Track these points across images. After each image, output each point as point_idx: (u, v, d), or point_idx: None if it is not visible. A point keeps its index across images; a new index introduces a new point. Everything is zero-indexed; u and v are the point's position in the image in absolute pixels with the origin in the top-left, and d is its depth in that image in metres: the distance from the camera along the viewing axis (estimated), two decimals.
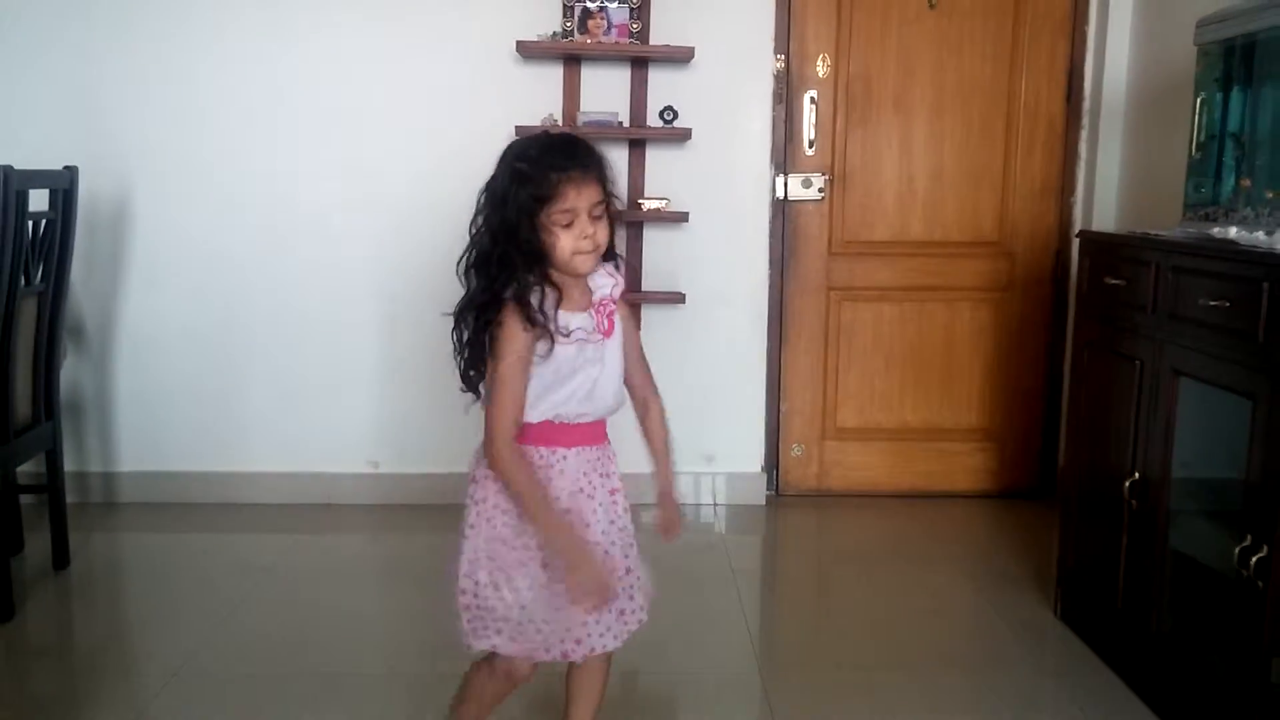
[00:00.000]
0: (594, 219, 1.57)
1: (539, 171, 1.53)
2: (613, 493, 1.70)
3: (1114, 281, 2.40)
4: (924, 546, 3.30)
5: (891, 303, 3.65)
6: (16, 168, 2.55)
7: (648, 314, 3.52)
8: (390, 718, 2.23)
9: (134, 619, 2.79)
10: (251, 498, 3.50)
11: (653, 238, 3.49)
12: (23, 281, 2.67)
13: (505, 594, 1.61)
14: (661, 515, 1.80)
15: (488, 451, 1.58)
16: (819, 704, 2.30)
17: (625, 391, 1.72)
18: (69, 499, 3.02)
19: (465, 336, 1.60)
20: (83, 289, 3.40)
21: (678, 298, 3.46)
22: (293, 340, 3.48)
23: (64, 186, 2.83)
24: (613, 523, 1.70)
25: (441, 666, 2.40)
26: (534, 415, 1.60)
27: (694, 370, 3.53)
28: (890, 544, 3.34)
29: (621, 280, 1.69)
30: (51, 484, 2.94)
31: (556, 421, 1.62)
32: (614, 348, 1.66)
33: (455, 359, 1.62)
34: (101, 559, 3.15)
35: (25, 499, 3.08)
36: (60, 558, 2.94)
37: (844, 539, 3.47)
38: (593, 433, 1.67)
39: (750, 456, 3.64)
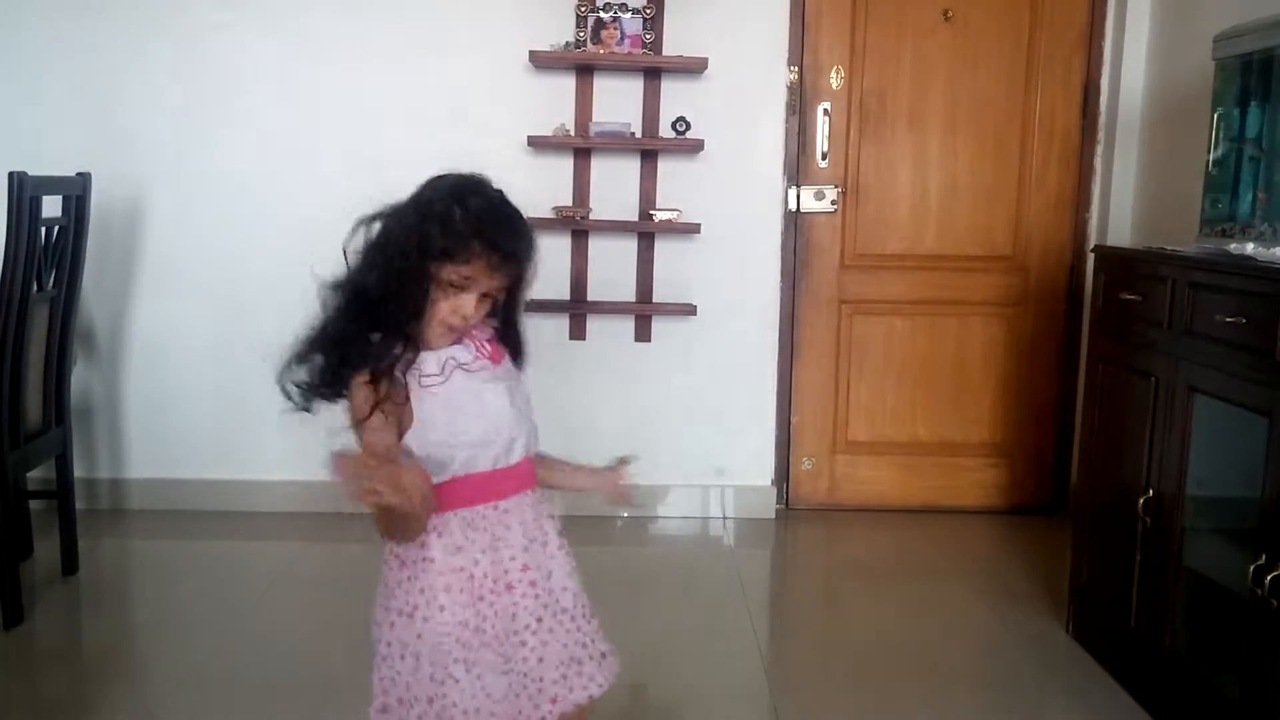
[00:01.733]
0: (480, 299, 1.40)
1: (466, 228, 1.36)
2: (560, 534, 1.54)
3: (1129, 297, 2.39)
4: (934, 562, 3.28)
5: (904, 316, 3.63)
6: (30, 174, 2.56)
7: (658, 325, 3.51)
8: None
9: (142, 625, 2.79)
10: (261, 506, 3.50)
11: (664, 249, 3.48)
12: (35, 287, 2.67)
13: (467, 687, 1.42)
14: (599, 483, 1.65)
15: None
16: (827, 718, 2.28)
17: (535, 428, 1.52)
18: (78, 505, 3.02)
19: (318, 364, 1.43)
20: (94, 295, 3.41)
21: (689, 309, 3.45)
22: None
23: (77, 193, 2.85)
24: (565, 565, 1.53)
25: None
26: (461, 466, 1.42)
27: (704, 382, 3.52)
28: (900, 559, 3.32)
29: (480, 348, 1.47)
30: (61, 490, 2.94)
31: (496, 467, 1.44)
32: (511, 375, 1.50)
33: (287, 369, 1.46)
34: (110, 565, 3.15)
35: (35, 504, 3.08)
36: (69, 563, 2.94)
37: (854, 553, 3.45)
38: (527, 475, 1.49)
39: (760, 470, 3.62)
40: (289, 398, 1.45)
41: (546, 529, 1.52)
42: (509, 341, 1.53)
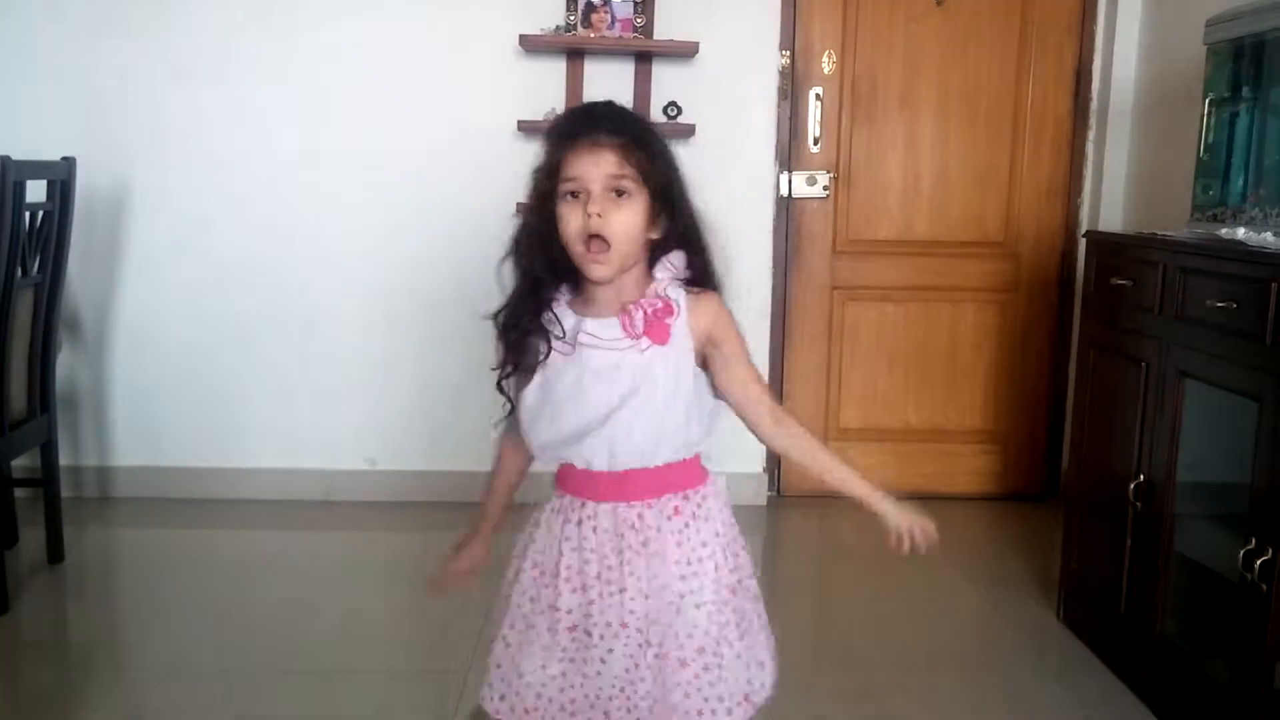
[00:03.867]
0: (611, 197, 1.26)
1: (554, 132, 1.31)
2: (664, 564, 1.34)
3: (1120, 282, 2.38)
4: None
5: (895, 303, 3.63)
6: (14, 158, 2.53)
7: None
8: (386, 715, 2.20)
9: (129, 614, 2.77)
10: (248, 494, 3.48)
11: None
12: (19, 273, 2.65)
13: (514, 655, 1.39)
14: (897, 523, 1.48)
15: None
16: (819, 705, 2.27)
17: (694, 430, 1.37)
18: (64, 493, 2.99)
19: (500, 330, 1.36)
20: (79, 281, 3.38)
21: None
22: (290, 336, 3.46)
23: (62, 178, 2.82)
24: (653, 598, 1.34)
25: (437, 664, 2.39)
26: (551, 450, 1.36)
27: None
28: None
29: (677, 269, 1.32)
30: (46, 478, 2.92)
31: (579, 467, 1.34)
32: (668, 363, 1.29)
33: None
34: (96, 554, 3.13)
35: (20, 493, 3.06)
36: (55, 552, 2.92)
37: (845, 540, 3.44)
38: (634, 486, 1.33)
39: (751, 457, 3.61)
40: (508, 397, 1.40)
41: (643, 555, 1.34)
42: (696, 271, 1.35)
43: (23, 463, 2.93)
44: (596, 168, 1.26)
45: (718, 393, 1.40)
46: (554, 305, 1.33)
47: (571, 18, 3.28)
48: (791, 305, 3.61)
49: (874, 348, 3.65)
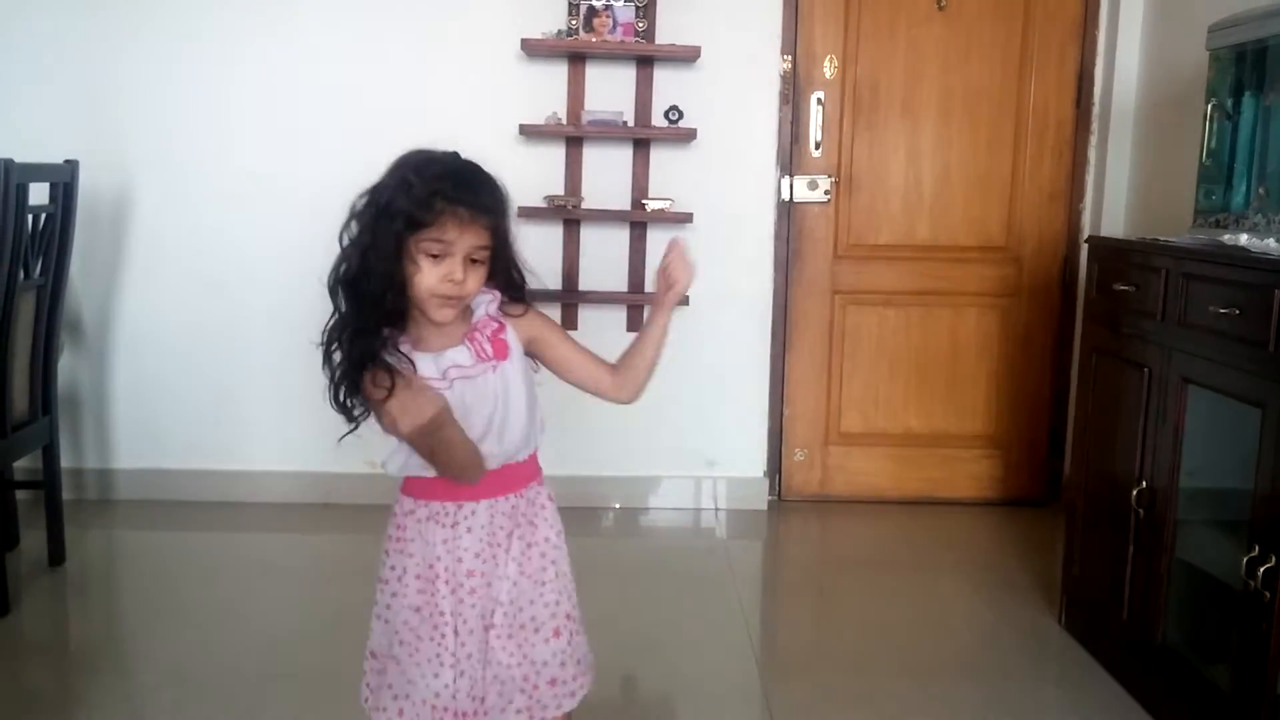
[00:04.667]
0: (469, 263, 1.37)
1: (425, 192, 1.33)
2: (530, 545, 1.49)
3: (1123, 288, 2.38)
4: (927, 554, 3.27)
5: (897, 307, 3.62)
6: (17, 161, 2.54)
7: None
8: None
9: (130, 616, 2.77)
10: (250, 496, 3.48)
11: (656, 239, 3.47)
12: (22, 275, 2.65)
13: (410, 669, 1.45)
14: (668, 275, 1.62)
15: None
16: (819, 711, 2.27)
17: (539, 423, 1.51)
18: (65, 495, 2.99)
19: (336, 365, 1.39)
20: (81, 284, 3.39)
21: (681, 300, 3.43)
22: (291, 338, 3.44)
23: (64, 180, 2.82)
24: (526, 576, 1.49)
25: None
26: (426, 469, 1.43)
27: (696, 373, 3.50)
28: (893, 551, 3.31)
29: (495, 294, 1.46)
30: (48, 480, 2.92)
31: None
32: (509, 372, 1.45)
33: (326, 378, 1.41)
34: (97, 556, 3.13)
35: (21, 495, 3.07)
36: (56, 554, 2.92)
37: (846, 545, 3.45)
38: (510, 479, 1.48)
39: (752, 461, 3.61)
40: (350, 416, 1.42)
41: (518, 539, 1.48)
42: (512, 288, 1.48)
43: (24, 465, 2.94)
44: (465, 239, 1.36)
45: (564, 377, 1.57)
46: (398, 345, 1.38)
47: (573, 22, 3.28)
48: (793, 310, 3.60)
49: (875, 352, 3.64)
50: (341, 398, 1.40)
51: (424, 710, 1.46)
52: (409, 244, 1.35)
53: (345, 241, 1.41)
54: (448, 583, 1.44)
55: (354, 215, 1.41)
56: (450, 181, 1.36)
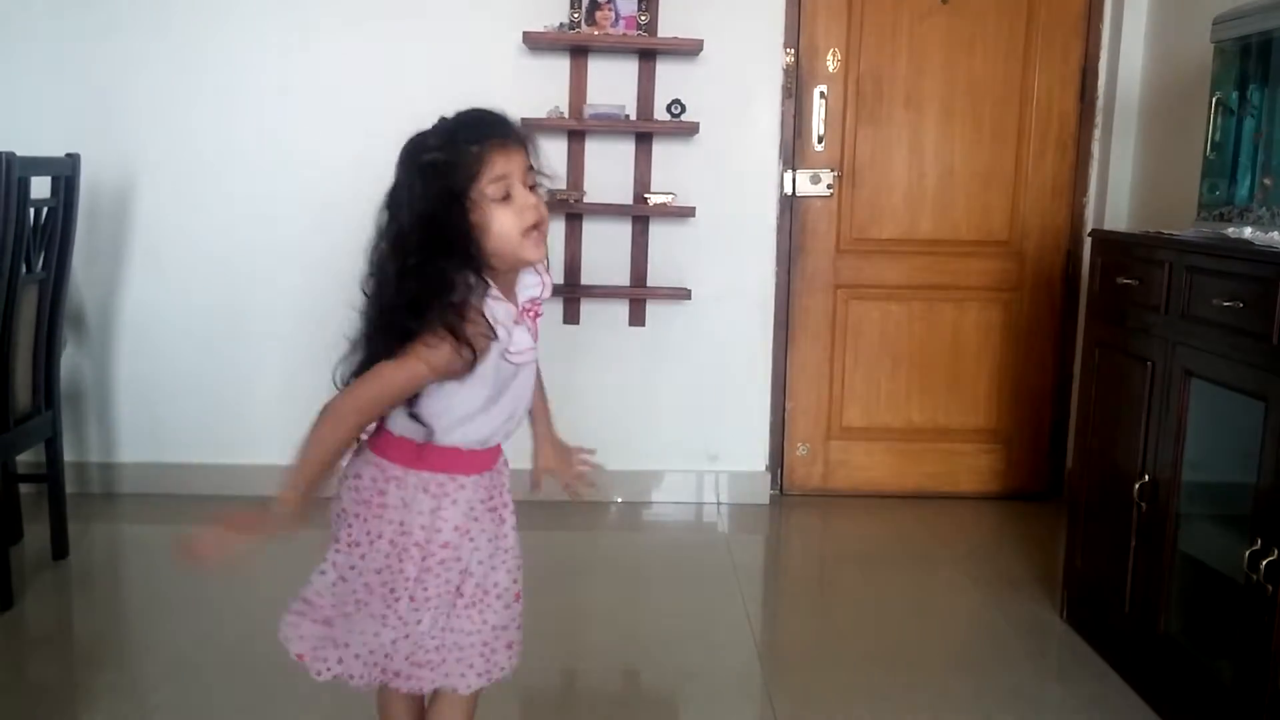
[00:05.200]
0: (530, 189, 1.38)
1: (453, 152, 1.34)
2: (502, 521, 1.53)
3: (1126, 281, 2.37)
4: (929, 548, 3.27)
5: (899, 301, 3.62)
6: (19, 154, 2.53)
7: (652, 310, 3.49)
8: None
9: (133, 610, 2.77)
10: (252, 490, 3.42)
11: (658, 233, 3.47)
12: (24, 269, 2.65)
13: (359, 624, 1.47)
14: (558, 464, 1.65)
15: (334, 403, 1.41)
16: (821, 704, 2.27)
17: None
18: (68, 489, 3.00)
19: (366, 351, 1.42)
20: (84, 278, 3.39)
21: (683, 294, 3.43)
22: (295, 331, 3.46)
23: (66, 174, 2.82)
24: (496, 547, 1.52)
25: None
26: (449, 439, 1.43)
27: (698, 367, 3.51)
28: (895, 545, 3.31)
29: (548, 279, 1.49)
30: (51, 474, 2.92)
31: (464, 448, 1.45)
32: (536, 360, 1.50)
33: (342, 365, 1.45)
34: (101, 550, 3.13)
35: (24, 488, 3.06)
36: (59, 548, 2.93)
37: (848, 539, 3.45)
38: (493, 457, 1.51)
39: (754, 455, 3.61)
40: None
41: (489, 511, 1.50)
42: None
43: (27, 458, 2.94)
44: (515, 163, 1.37)
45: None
46: (486, 303, 1.37)
47: (575, 15, 3.27)
48: (795, 304, 3.60)
49: (877, 346, 3.64)
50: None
51: (356, 665, 1.48)
52: (470, 200, 1.34)
53: (386, 238, 1.40)
54: (420, 549, 1.45)
55: (382, 233, 1.40)
56: (471, 126, 1.37)
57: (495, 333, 1.37)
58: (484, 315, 1.36)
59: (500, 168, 1.35)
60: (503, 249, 1.37)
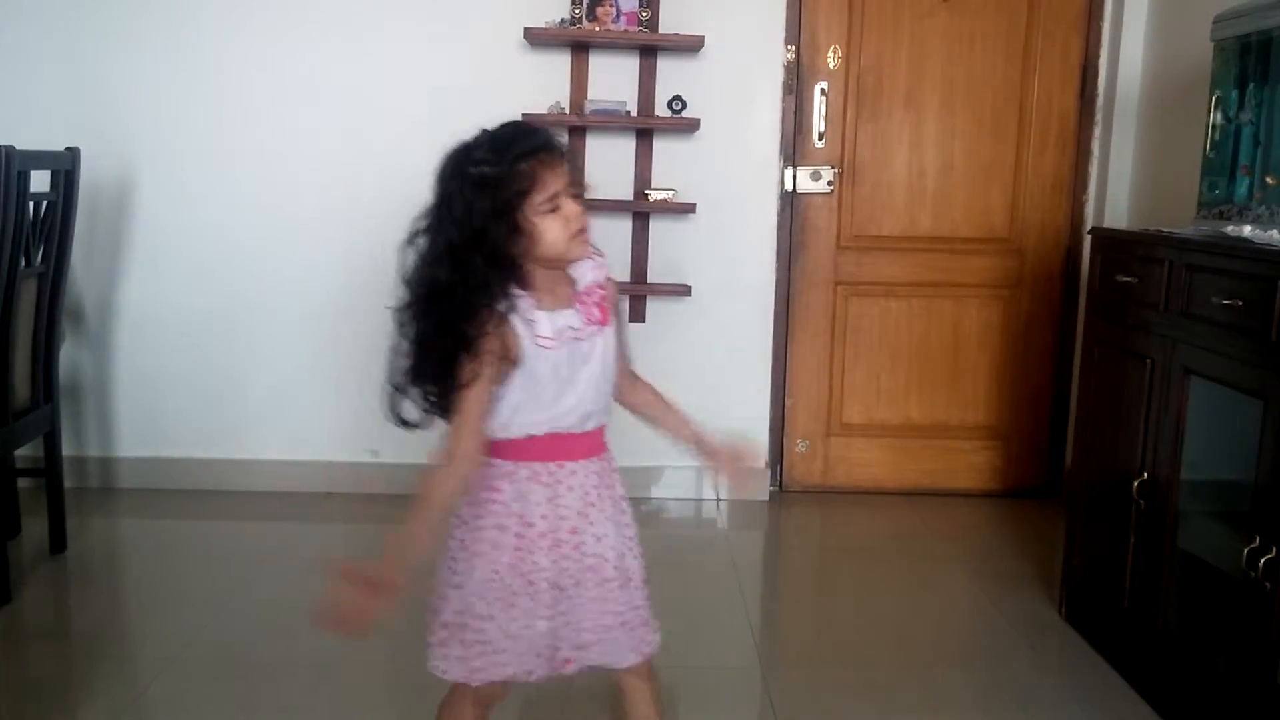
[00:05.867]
0: (574, 198, 1.45)
1: (502, 167, 1.40)
2: (616, 503, 1.59)
3: (1126, 279, 2.37)
4: (928, 544, 3.28)
5: (899, 298, 3.62)
6: (18, 148, 2.53)
7: (653, 306, 3.49)
8: (386, 707, 2.20)
9: (131, 604, 2.77)
10: (250, 485, 3.48)
11: (659, 229, 3.46)
12: (23, 262, 2.65)
13: (505, 624, 1.50)
14: (720, 454, 1.64)
15: (438, 469, 1.47)
16: (820, 700, 2.28)
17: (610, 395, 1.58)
18: (67, 483, 3.00)
19: (427, 369, 1.45)
20: (83, 272, 3.39)
21: (684, 290, 3.43)
22: (294, 327, 3.46)
23: (66, 168, 2.81)
24: (622, 535, 1.59)
25: None
26: (535, 429, 1.49)
27: (698, 363, 3.50)
28: (894, 541, 3.32)
29: (603, 260, 1.54)
30: (49, 468, 2.92)
31: (562, 433, 1.50)
32: (609, 337, 1.54)
33: (399, 391, 1.48)
34: (99, 544, 3.13)
35: (23, 483, 3.06)
36: (57, 542, 2.93)
37: (847, 535, 3.45)
38: (596, 442, 1.56)
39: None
40: (404, 424, 1.53)
41: (608, 497, 1.56)
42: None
43: (26, 453, 2.94)
44: (559, 177, 1.44)
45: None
46: (520, 307, 1.45)
47: (576, 11, 3.27)
48: (795, 300, 3.60)
49: (877, 343, 3.64)
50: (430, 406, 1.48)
51: (521, 662, 1.52)
52: (520, 216, 1.41)
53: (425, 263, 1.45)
54: (547, 538, 1.50)
55: (440, 225, 1.44)
56: (525, 143, 1.43)
57: (518, 331, 1.44)
58: (508, 320, 1.43)
59: (551, 185, 1.42)
60: (551, 254, 1.45)
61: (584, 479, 1.53)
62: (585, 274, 1.52)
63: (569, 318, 1.48)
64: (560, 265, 1.49)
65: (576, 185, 1.47)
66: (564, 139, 1.49)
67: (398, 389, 1.49)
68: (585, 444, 1.54)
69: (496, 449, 1.52)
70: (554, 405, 1.49)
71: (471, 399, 1.44)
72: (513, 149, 1.41)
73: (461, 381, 1.43)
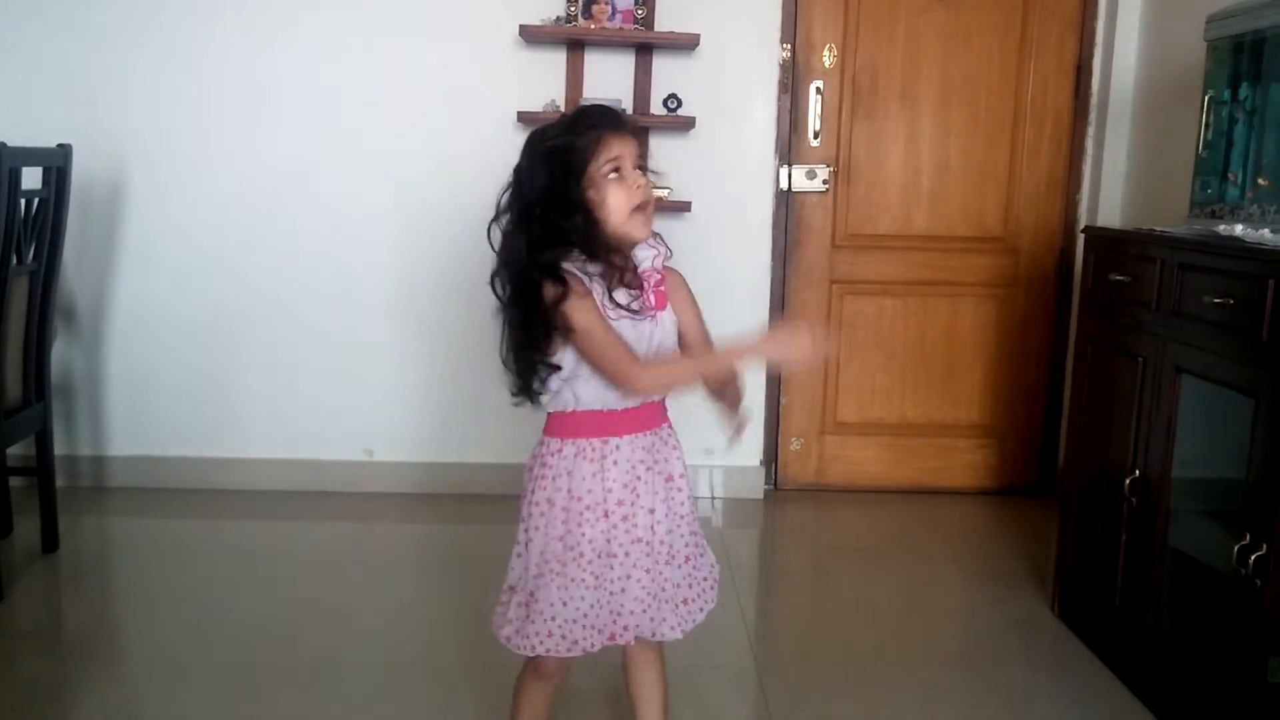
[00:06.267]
0: (640, 171, 1.54)
1: (575, 135, 1.51)
2: (669, 479, 1.64)
3: (1118, 278, 2.38)
4: (922, 543, 3.28)
5: (894, 297, 3.62)
6: (10, 145, 2.53)
7: None
8: (380, 706, 2.20)
9: (123, 603, 2.77)
10: (244, 484, 3.48)
11: (654, 227, 3.45)
12: (14, 260, 2.64)
13: (556, 592, 1.57)
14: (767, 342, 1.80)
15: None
16: (815, 698, 2.28)
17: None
18: (58, 482, 2.99)
19: (519, 337, 1.52)
20: (75, 270, 3.38)
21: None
22: (287, 326, 3.45)
23: (58, 165, 2.81)
24: (672, 511, 1.64)
25: (435, 655, 2.39)
26: (581, 403, 1.56)
27: None
28: (889, 540, 3.32)
29: (665, 249, 1.60)
30: (41, 467, 2.91)
31: (605, 409, 1.57)
32: (666, 322, 1.59)
33: (511, 366, 1.55)
34: (91, 543, 3.13)
35: (14, 481, 3.06)
36: (49, 541, 2.92)
37: (842, 534, 3.45)
38: (647, 417, 1.61)
39: (749, 450, 3.61)
40: (528, 394, 1.57)
41: (658, 473, 1.62)
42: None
43: (17, 451, 2.93)
44: (628, 148, 1.54)
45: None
46: (590, 271, 1.54)
47: (572, 9, 3.27)
48: (790, 299, 3.60)
49: (872, 342, 3.65)
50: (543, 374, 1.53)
51: (572, 627, 1.57)
52: (589, 177, 1.51)
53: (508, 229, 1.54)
54: (594, 510, 1.57)
55: (517, 194, 1.54)
56: (594, 115, 1.55)
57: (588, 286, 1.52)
58: (579, 275, 1.52)
59: (615, 149, 1.51)
60: (614, 224, 1.53)
61: (630, 453, 1.59)
62: (645, 259, 1.58)
63: (628, 297, 1.55)
64: (624, 245, 1.55)
65: (642, 160, 1.56)
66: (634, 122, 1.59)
67: (518, 362, 1.55)
68: (632, 419, 1.59)
69: (548, 425, 1.60)
70: (599, 378, 1.55)
71: (595, 332, 1.50)
72: (583, 121, 1.53)
73: (575, 325, 1.49)
